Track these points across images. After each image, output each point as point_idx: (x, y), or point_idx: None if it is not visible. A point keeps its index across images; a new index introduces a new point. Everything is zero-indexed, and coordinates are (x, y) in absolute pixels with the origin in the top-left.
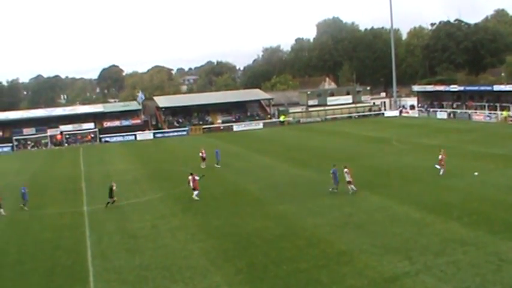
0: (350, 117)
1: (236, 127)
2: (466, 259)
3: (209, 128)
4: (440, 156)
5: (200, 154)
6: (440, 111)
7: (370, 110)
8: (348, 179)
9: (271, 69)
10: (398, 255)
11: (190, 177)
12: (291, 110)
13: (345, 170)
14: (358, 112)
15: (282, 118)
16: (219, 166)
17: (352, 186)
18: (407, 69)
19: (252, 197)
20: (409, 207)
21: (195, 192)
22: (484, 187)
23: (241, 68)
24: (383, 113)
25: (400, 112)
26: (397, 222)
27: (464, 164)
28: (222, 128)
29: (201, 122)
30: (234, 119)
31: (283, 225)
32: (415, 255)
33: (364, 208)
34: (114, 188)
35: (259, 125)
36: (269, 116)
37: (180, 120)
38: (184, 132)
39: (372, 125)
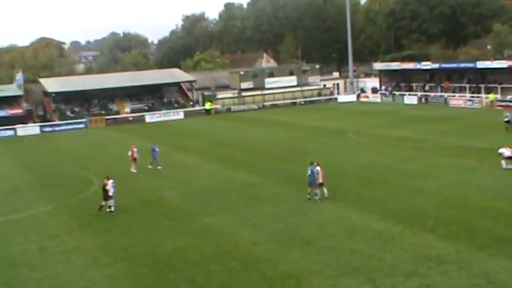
0: (294, 103)
1: (149, 117)
2: (445, 281)
3: (114, 119)
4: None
5: (129, 153)
6: (409, 95)
7: (319, 95)
8: (320, 180)
9: (193, 44)
10: (359, 277)
11: (108, 182)
12: (220, 95)
13: (316, 168)
14: (304, 97)
15: (208, 106)
16: (160, 168)
17: (325, 189)
18: (367, 43)
19: (171, 208)
20: (371, 217)
21: (110, 203)
22: (465, 190)
23: (155, 42)
24: (336, 98)
25: (358, 97)
26: (356, 235)
27: (440, 161)
28: (131, 118)
29: (103, 112)
30: (146, 107)
31: (211, 243)
32: (379, 277)
33: (314, 219)
34: None
35: (179, 114)
36: (192, 103)
37: (76, 110)
38: (82, 125)
39: (322, 113)
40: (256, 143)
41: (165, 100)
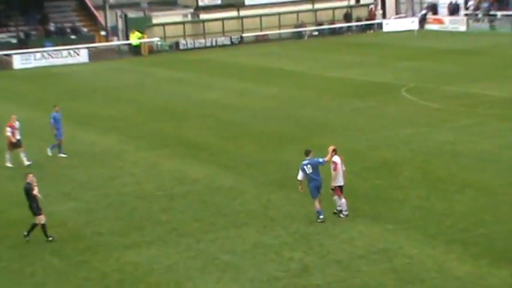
0: (301, 34)
1: (21, 60)
2: None
3: None
4: None
5: (8, 131)
6: None
7: (348, 18)
8: (339, 182)
9: None
10: None
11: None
12: (158, 18)
13: (334, 159)
14: (320, 24)
15: (135, 39)
16: (64, 155)
17: (343, 200)
18: None
19: (67, 235)
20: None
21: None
22: None
23: None
24: (380, 25)
25: (422, 21)
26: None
27: None
28: None
29: None
30: (14, 41)
31: None
32: None
33: (340, 257)
34: None
35: (79, 55)
36: (103, 33)
37: None
38: None
39: (353, 53)
40: (228, 111)
41: (52, 27)
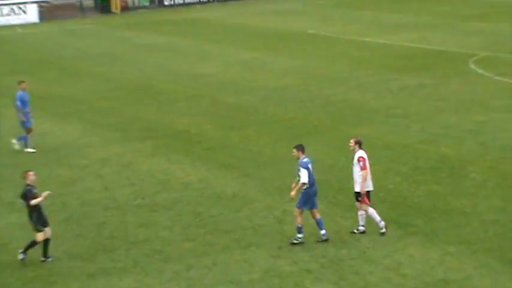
0: None
1: None
2: None
3: None
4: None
5: None
6: None
7: None
8: (369, 187)
9: None
10: None
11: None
12: None
13: (360, 154)
14: None
15: None
16: (32, 150)
17: (373, 210)
18: None
19: (9, 257)
20: None
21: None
22: None
23: None
24: None
25: None
26: None
27: None
28: None
29: None
30: None
31: None
32: None
33: None
34: None
35: (26, 12)
36: None
37: None
38: None
39: (400, 9)
40: (230, 90)
41: None
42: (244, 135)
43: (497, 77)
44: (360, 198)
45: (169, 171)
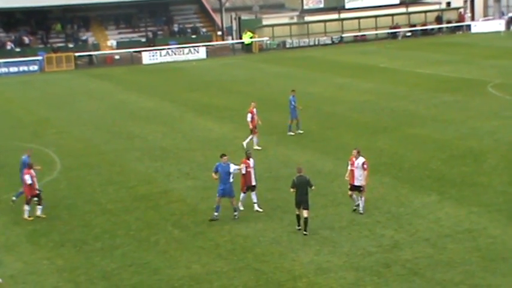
0: (395, 35)
1: (149, 57)
2: None
3: (89, 56)
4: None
5: (248, 117)
6: None
7: (439, 21)
8: (363, 180)
9: None
10: None
11: None
12: (267, 20)
13: (359, 160)
14: (413, 25)
15: (247, 38)
16: (300, 131)
17: (362, 198)
18: None
19: (186, 207)
20: None
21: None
22: None
23: None
24: (469, 27)
25: (509, 23)
26: None
27: None
28: (117, 57)
29: (71, 45)
30: (144, 39)
31: None
32: None
33: None
34: None
35: (198, 52)
36: (219, 33)
37: (26, 40)
38: (34, 67)
39: (443, 52)
40: (329, 103)
41: (176, 27)
42: (337, 132)
43: (507, 97)
44: (361, 189)
45: (287, 155)
